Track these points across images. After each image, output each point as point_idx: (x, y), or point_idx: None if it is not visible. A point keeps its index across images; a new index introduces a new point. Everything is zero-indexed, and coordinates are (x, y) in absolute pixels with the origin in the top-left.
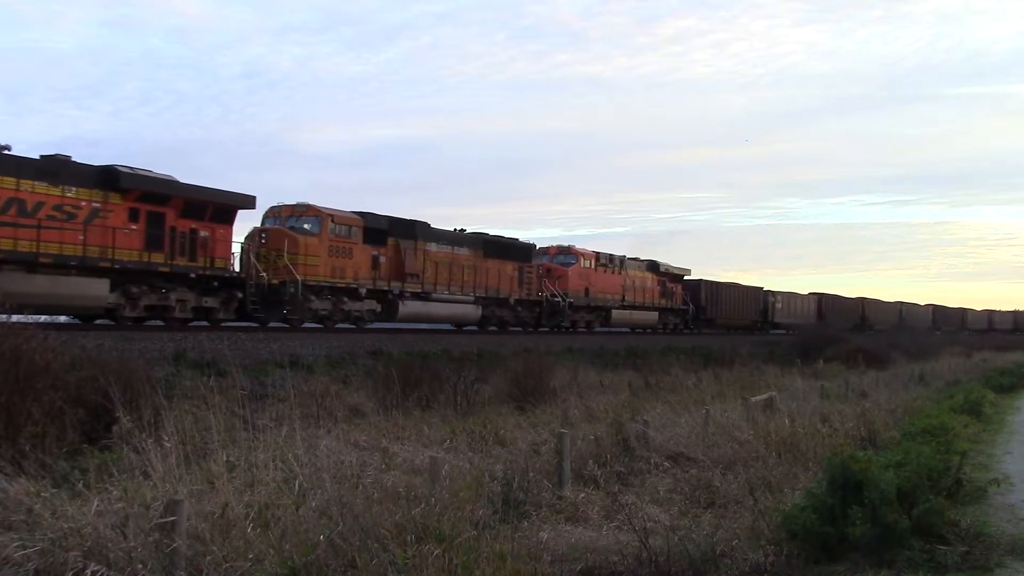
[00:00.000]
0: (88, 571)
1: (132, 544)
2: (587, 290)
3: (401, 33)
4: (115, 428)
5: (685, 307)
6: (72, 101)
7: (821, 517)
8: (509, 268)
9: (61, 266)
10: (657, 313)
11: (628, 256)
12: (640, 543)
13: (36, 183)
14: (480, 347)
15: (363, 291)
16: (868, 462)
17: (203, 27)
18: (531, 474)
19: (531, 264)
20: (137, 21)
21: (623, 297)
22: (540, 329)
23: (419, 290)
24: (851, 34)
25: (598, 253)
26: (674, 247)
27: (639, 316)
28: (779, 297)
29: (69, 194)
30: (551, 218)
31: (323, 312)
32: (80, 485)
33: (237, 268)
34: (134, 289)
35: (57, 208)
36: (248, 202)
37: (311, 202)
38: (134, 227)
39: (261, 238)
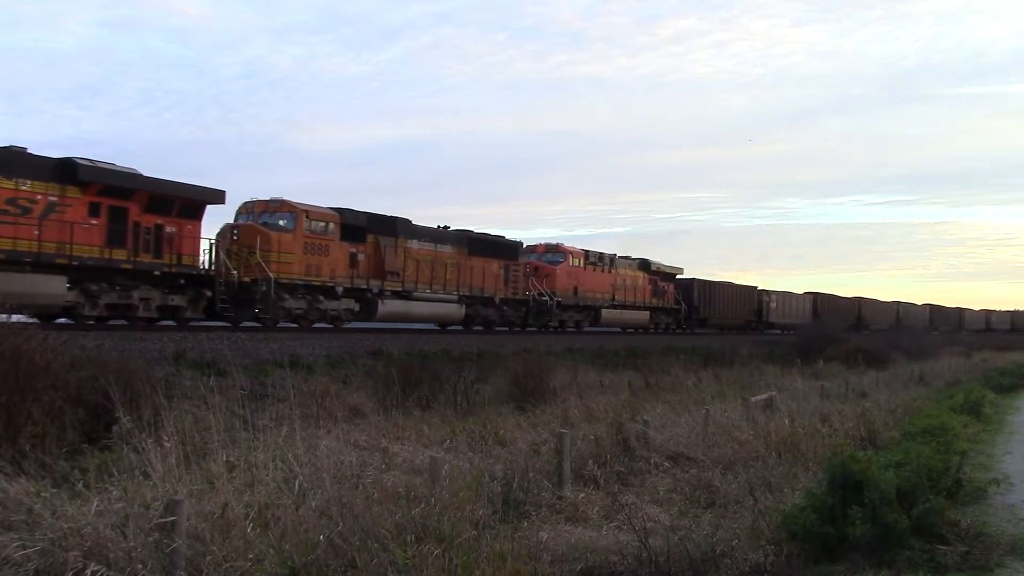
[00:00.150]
0: (88, 571)
1: (132, 544)
2: (576, 289)
3: (401, 33)
4: (115, 428)
5: (677, 307)
6: (72, 101)
7: (821, 517)
8: (494, 266)
9: (15, 262)
10: (648, 313)
11: (619, 255)
12: (640, 543)
13: None
14: (480, 347)
15: (340, 290)
16: (868, 462)
17: (203, 27)
18: (531, 474)
19: (518, 262)
20: (137, 21)
21: (613, 296)
22: (528, 329)
23: (400, 289)
24: (851, 34)
25: (587, 251)
26: (674, 247)
27: (630, 316)
28: (774, 297)
29: (24, 187)
30: (551, 218)
31: (298, 311)
32: (80, 485)
33: (207, 266)
34: (93, 287)
35: (10, 202)
36: (217, 197)
37: (285, 197)
38: (94, 222)
39: (233, 234)
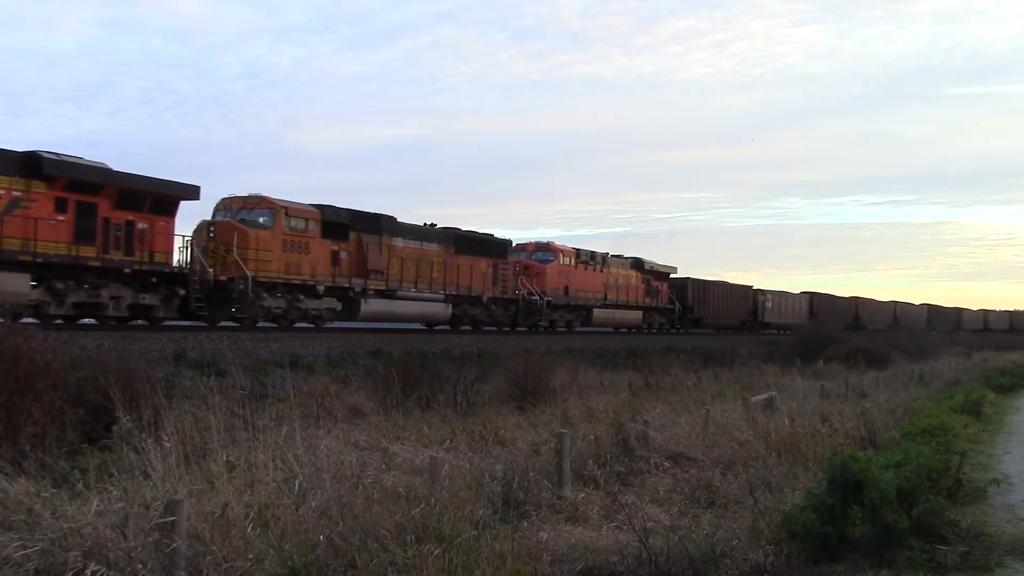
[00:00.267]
0: (88, 571)
1: (132, 544)
2: (567, 288)
3: (401, 33)
4: (115, 428)
5: (671, 306)
6: (72, 101)
7: (821, 517)
8: (483, 265)
9: None
10: (641, 312)
11: (611, 253)
12: (640, 543)
13: None
14: (480, 347)
15: (321, 288)
16: (868, 462)
17: (203, 27)
18: (531, 474)
19: (507, 261)
20: (137, 21)
21: (605, 296)
22: (518, 329)
23: (383, 287)
24: (851, 34)
25: (578, 250)
26: (673, 247)
27: (622, 315)
28: (769, 296)
29: None
30: (550, 218)
31: (277, 310)
32: (80, 485)
33: (183, 264)
34: (60, 285)
35: None
36: (191, 192)
37: (264, 194)
38: (61, 218)
39: (209, 232)
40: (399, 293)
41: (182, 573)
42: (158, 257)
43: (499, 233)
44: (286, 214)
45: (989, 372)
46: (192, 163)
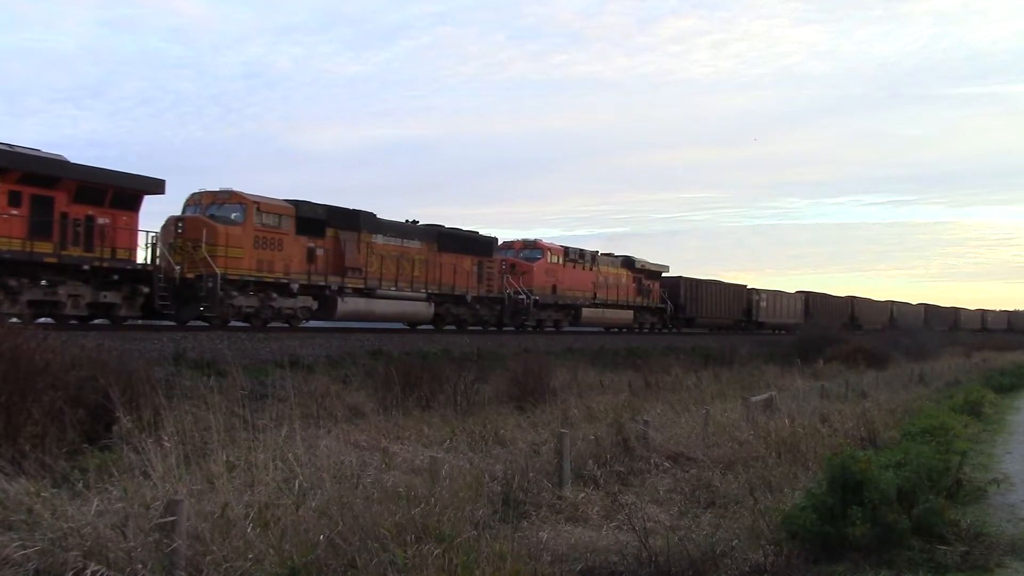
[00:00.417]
0: (88, 571)
1: (132, 544)
2: (554, 287)
3: (400, 33)
4: (115, 428)
5: (663, 306)
6: (72, 101)
7: (821, 517)
8: (467, 263)
9: None
10: (632, 312)
11: (601, 252)
12: (640, 543)
13: None
14: (480, 347)
15: (295, 286)
16: (868, 462)
17: (203, 27)
18: (531, 474)
19: (492, 259)
20: (137, 21)
21: (594, 294)
22: (504, 328)
23: (362, 286)
24: (851, 34)
25: (567, 248)
26: (673, 247)
27: (612, 315)
28: (764, 296)
29: None
30: (551, 218)
31: (248, 309)
32: (80, 485)
33: (147, 260)
34: (13, 282)
35: None
36: (156, 186)
37: (235, 188)
38: (15, 212)
39: (177, 227)
40: (378, 292)
41: (182, 573)
42: (120, 253)
43: (499, 233)
44: (258, 209)
45: (989, 372)
46: (192, 163)
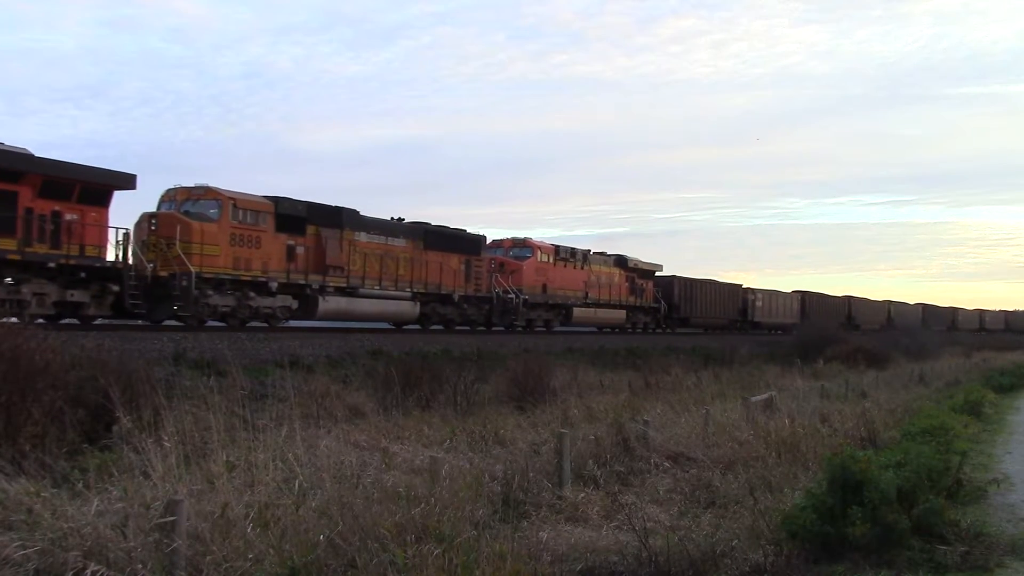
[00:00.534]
0: (88, 571)
1: (132, 544)
2: (545, 286)
3: (400, 33)
4: (115, 428)
5: (656, 305)
6: (72, 101)
7: (821, 517)
8: (454, 261)
9: None
10: (625, 312)
11: (594, 250)
12: (640, 543)
13: None
14: (480, 347)
15: (274, 285)
16: (868, 462)
17: (203, 27)
18: (531, 474)
19: (480, 257)
20: (137, 21)
21: (586, 294)
22: (494, 328)
23: (344, 284)
24: (851, 34)
25: (557, 246)
26: (673, 247)
27: (604, 314)
28: (760, 295)
29: None
30: (551, 218)
31: (225, 309)
32: (80, 485)
33: (119, 258)
34: None
35: None
36: (126, 181)
37: (211, 184)
38: None
39: (151, 224)
40: (361, 291)
41: (182, 573)
42: (89, 251)
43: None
44: (234, 206)
45: (989, 372)
46: (192, 163)
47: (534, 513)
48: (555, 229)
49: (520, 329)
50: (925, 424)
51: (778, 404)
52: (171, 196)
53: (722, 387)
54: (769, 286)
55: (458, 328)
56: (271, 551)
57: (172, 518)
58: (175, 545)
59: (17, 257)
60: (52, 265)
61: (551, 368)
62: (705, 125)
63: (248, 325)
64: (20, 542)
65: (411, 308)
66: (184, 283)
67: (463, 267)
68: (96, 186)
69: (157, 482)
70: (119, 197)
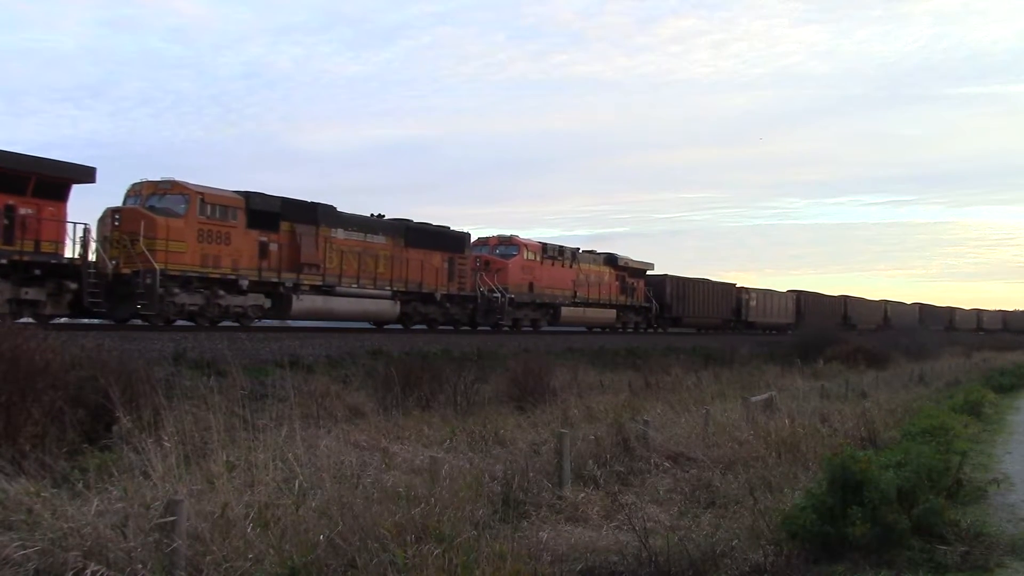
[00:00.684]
0: (88, 571)
1: (132, 544)
2: (531, 285)
3: (400, 33)
4: (115, 428)
5: (648, 305)
6: (72, 101)
7: (821, 517)
8: (436, 259)
9: None
10: (615, 311)
11: (583, 249)
12: (640, 543)
13: None
14: (480, 347)
15: (245, 283)
16: (868, 462)
17: (202, 27)
18: (531, 474)
19: (464, 255)
20: (137, 21)
21: (575, 293)
22: (479, 328)
23: (320, 283)
24: (851, 34)
25: (545, 244)
26: (673, 247)
27: (593, 314)
28: (754, 295)
29: None
30: (551, 218)
31: (192, 307)
32: (80, 485)
33: (79, 254)
34: None
35: None
36: (85, 174)
37: (178, 178)
38: None
39: (114, 220)
40: (338, 289)
41: (182, 573)
42: (45, 247)
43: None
44: (202, 200)
45: (989, 372)
46: (192, 163)
47: (534, 513)
48: (555, 229)
49: (506, 329)
50: (925, 424)
51: (778, 404)
52: (136, 191)
53: (722, 387)
54: (769, 286)
55: (441, 328)
56: (271, 551)
57: (172, 518)
58: (175, 545)
59: None
60: (4, 262)
61: (551, 368)
62: (705, 125)
63: (249, 326)
64: (20, 542)
65: (391, 307)
66: (148, 281)
67: (446, 265)
68: (53, 179)
69: (157, 482)
70: (89, 192)
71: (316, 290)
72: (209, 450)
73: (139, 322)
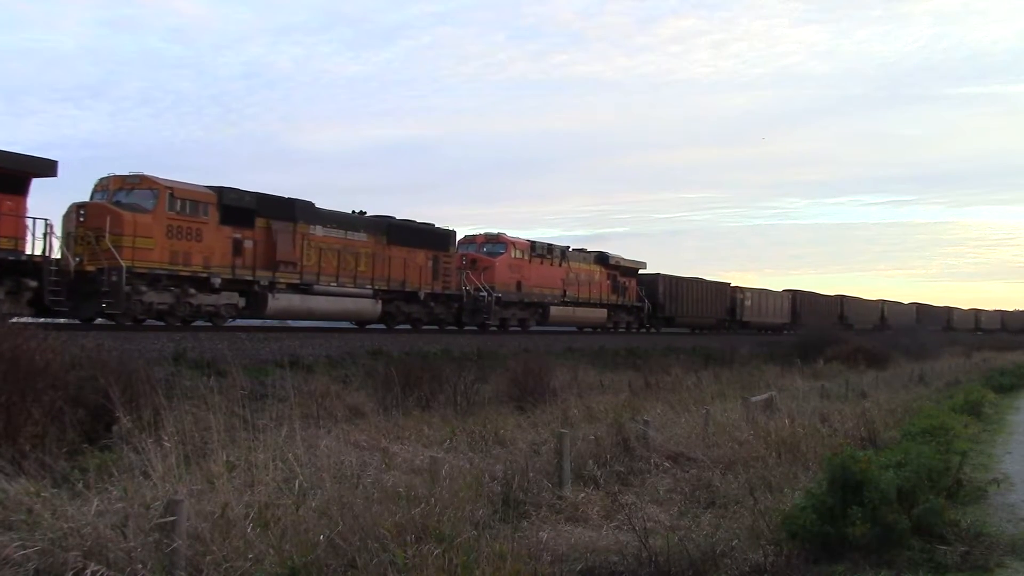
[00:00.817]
0: (88, 571)
1: (132, 544)
2: (519, 283)
3: (400, 33)
4: (115, 428)
5: (640, 304)
6: (72, 101)
7: (821, 517)
8: (420, 257)
9: None
10: (606, 311)
11: (573, 247)
12: (640, 543)
13: None
14: (480, 347)
15: (217, 281)
16: (868, 462)
17: (202, 27)
18: (531, 474)
19: (449, 253)
20: (137, 21)
21: (564, 292)
22: (466, 328)
23: (297, 281)
24: (851, 34)
25: (533, 242)
26: (674, 247)
27: (583, 313)
28: (749, 294)
29: None
30: (551, 218)
31: (161, 306)
32: (80, 485)
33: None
34: None
35: None
36: (45, 168)
37: (146, 172)
38: None
39: (79, 215)
40: (316, 287)
41: (182, 573)
42: (3, 243)
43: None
44: (171, 195)
45: (989, 372)
46: (192, 163)
47: (534, 513)
48: (555, 229)
49: (493, 329)
50: (925, 424)
51: (778, 404)
52: (104, 185)
53: (722, 387)
54: (769, 286)
55: (425, 328)
56: (271, 551)
57: (172, 518)
58: (175, 545)
59: None
60: None
61: (551, 368)
62: (705, 125)
63: (248, 325)
64: (20, 542)
65: (372, 306)
66: (114, 278)
67: (430, 263)
68: (11, 173)
69: (157, 482)
70: (52, 187)
71: (293, 288)
72: (209, 450)
73: (103, 321)
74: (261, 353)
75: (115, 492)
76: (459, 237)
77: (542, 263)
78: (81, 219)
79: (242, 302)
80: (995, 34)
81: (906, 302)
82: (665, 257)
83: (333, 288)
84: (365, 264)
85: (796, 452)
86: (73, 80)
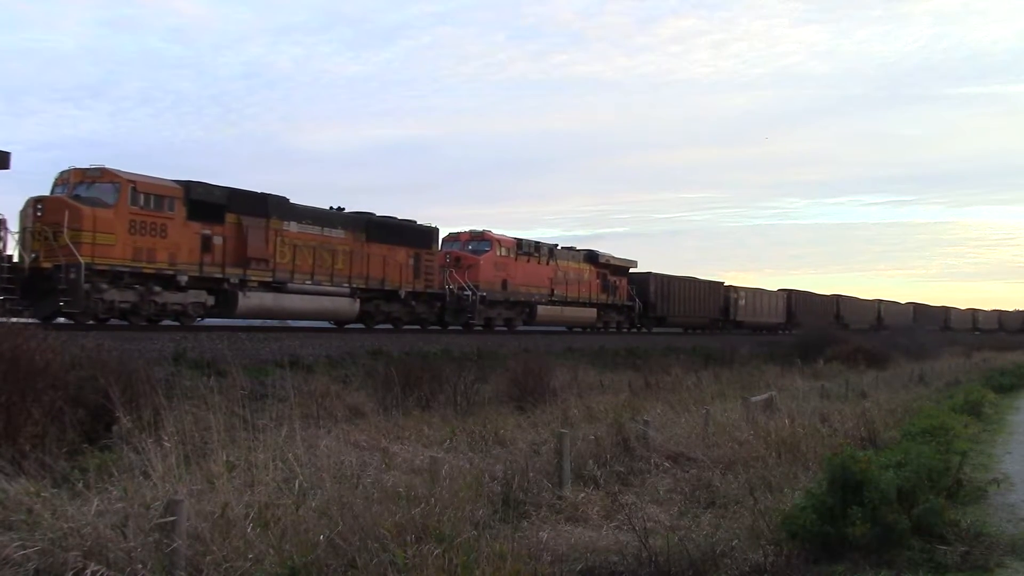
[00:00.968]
0: (88, 571)
1: (132, 544)
2: (505, 282)
3: (400, 33)
4: (115, 428)
5: (631, 303)
6: (72, 101)
7: (821, 517)
8: (401, 255)
9: None
10: (596, 310)
11: (562, 245)
12: (640, 543)
13: None
14: (480, 347)
15: (184, 279)
16: (868, 462)
17: (202, 27)
18: (531, 474)
19: (431, 251)
20: (137, 21)
21: (552, 291)
22: (450, 328)
23: (270, 279)
24: (851, 34)
25: (519, 240)
26: (674, 247)
27: (572, 313)
28: (743, 294)
29: None
30: (551, 218)
31: (124, 305)
32: (80, 485)
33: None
34: None
35: None
36: None
37: (109, 166)
38: None
39: (36, 210)
40: (290, 286)
41: (182, 573)
42: None
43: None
44: (134, 189)
45: (989, 372)
46: (192, 163)
47: (534, 513)
48: (555, 229)
49: (479, 328)
50: (925, 424)
51: (778, 404)
52: (64, 179)
53: (722, 387)
54: (769, 286)
55: (406, 328)
56: (271, 551)
57: (172, 518)
58: (175, 545)
59: None
60: None
61: (551, 368)
62: (705, 125)
63: (246, 325)
64: (20, 542)
65: (350, 305)
66: (72, 276)
67: (411, 261)
68: None
69: (157, 482)
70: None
71: (266, 287)
72: (209, 450)
73: (64, 320)
74: (261, 353)
75: (115, 492)
76: (445, 235)
77: (529, 261)
78: (39, 214)
79: (211, 301)
80: (995, 34)
81: (903, 302)
82: (665, 257)
83: (308, 286)
84: (343, 262)
85: (796, 452)
86: (73, 80)
